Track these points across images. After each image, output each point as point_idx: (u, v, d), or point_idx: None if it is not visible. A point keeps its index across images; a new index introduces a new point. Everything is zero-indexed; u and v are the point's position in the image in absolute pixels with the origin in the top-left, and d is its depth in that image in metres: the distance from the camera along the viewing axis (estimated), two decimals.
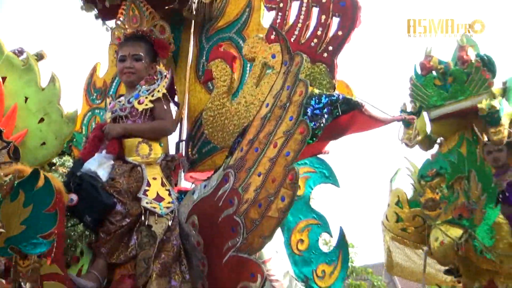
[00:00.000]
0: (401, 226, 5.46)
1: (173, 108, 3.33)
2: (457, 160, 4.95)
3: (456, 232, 4.58)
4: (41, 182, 2.29)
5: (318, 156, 3.62)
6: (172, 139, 3.57)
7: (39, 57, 3.04)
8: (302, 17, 3.13)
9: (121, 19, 3.47)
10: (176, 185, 3.34)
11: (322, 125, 2.73)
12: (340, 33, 3.03)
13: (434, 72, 5.44)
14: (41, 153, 2.70)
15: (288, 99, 2.69)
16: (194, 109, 3.63)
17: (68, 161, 5.09)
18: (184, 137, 3.63)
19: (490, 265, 4.61)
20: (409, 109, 5.60)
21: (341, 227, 3.77)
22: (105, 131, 3.08)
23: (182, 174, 3.51)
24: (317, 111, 2.75)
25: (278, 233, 3.12)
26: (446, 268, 5.15)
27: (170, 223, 2.86)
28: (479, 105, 4.97)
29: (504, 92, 5.20)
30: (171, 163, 3.14)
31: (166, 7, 3.55)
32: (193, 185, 3.34)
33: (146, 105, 3.13)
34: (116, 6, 3.48)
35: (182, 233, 2.91)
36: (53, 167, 3.71)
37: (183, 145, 3.61)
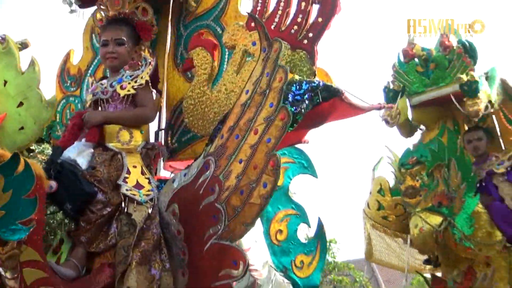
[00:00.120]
0: (382, 214, 5.50)
1: (155, 96, 3.29)
2: (438, 148, 4.97)
3: (435, 220, 4.63)
4: (21, 167, 2.25)
5: (297, 146, 3.63)
6: (152, 128, 3.53)
7: (23, 45, 3.01)
8: (282, 4, 3.11)
9: (103, 1, 3.41)
10: (155, 174, 3.32)
11: (303, 110, 2.73)
12: (320, 19, 3.02)
13: (416, 59, 5.46)
14: (20, 137, 2.67)
15: (267, 85, 2.70)
16: (173, 97, 3.59)
17: (47, 149, 5.03)
18: (163, 125, 3.59)
19: (469, 253, 4.66)
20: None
21: (319, 218, 3.80)
22: (84, 119, 3.03)
23: (162, 163, 3.49)
24: (298, 97, 2.75)
25: (258, 223, 3.13)
26: (425, 258, 5.20)
27: (150, 211, 2.84)
28: (459, 75, 5.00)
29: (486, 80, 5.23)
30: (151, 151, 3.11)
31: None
32: (172, 174, 3.33)
33: (129, 90, 3.09)
34: None
35: (162, 221, 2.89)
36: (31, 154, 3.67)
37: (162, 134, 3.57)
